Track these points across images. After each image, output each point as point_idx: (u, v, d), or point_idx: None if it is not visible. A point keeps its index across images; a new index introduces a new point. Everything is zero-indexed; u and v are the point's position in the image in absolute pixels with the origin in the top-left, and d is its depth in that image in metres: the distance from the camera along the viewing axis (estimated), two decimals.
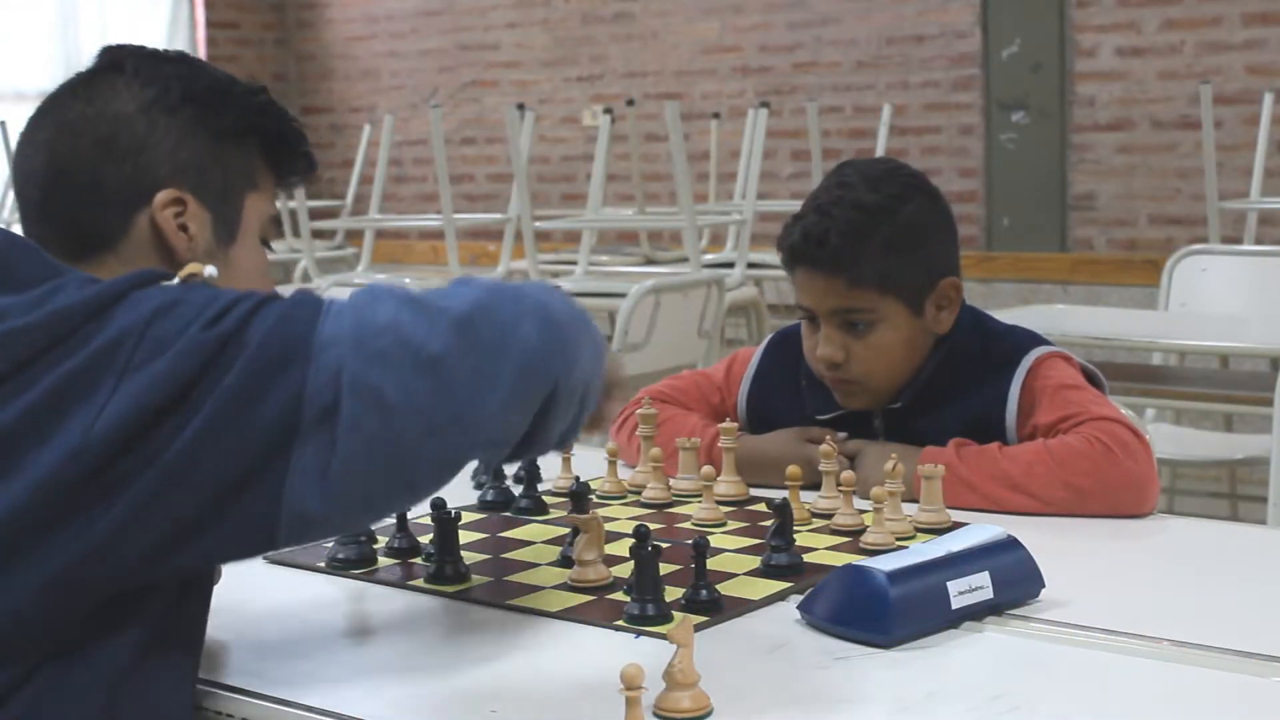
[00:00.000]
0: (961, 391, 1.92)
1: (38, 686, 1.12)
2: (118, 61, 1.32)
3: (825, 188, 1.96)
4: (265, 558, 1.58)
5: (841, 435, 1.92)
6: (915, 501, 1.73)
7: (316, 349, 1.12)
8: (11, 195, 5.94)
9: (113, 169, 1.27)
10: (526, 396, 1.19)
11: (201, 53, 7.92)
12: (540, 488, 1.84)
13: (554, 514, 1.79)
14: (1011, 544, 1.45)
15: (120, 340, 1.12)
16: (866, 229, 1.88)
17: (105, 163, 1.27)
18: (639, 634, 1.36)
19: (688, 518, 1.77)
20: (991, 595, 1.40)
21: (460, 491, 1.90)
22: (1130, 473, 1.78)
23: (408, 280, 4.16)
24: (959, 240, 2.01)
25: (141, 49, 1.34)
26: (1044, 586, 1.45)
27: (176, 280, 1.21)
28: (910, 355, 1.93)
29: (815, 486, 1.82)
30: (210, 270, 1.26)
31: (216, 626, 1.29)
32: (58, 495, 1.09)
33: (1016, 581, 1.43)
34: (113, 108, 1.29)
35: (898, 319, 1.90)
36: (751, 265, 5.19)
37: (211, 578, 1.27)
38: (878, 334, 1.90)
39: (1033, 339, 1.96)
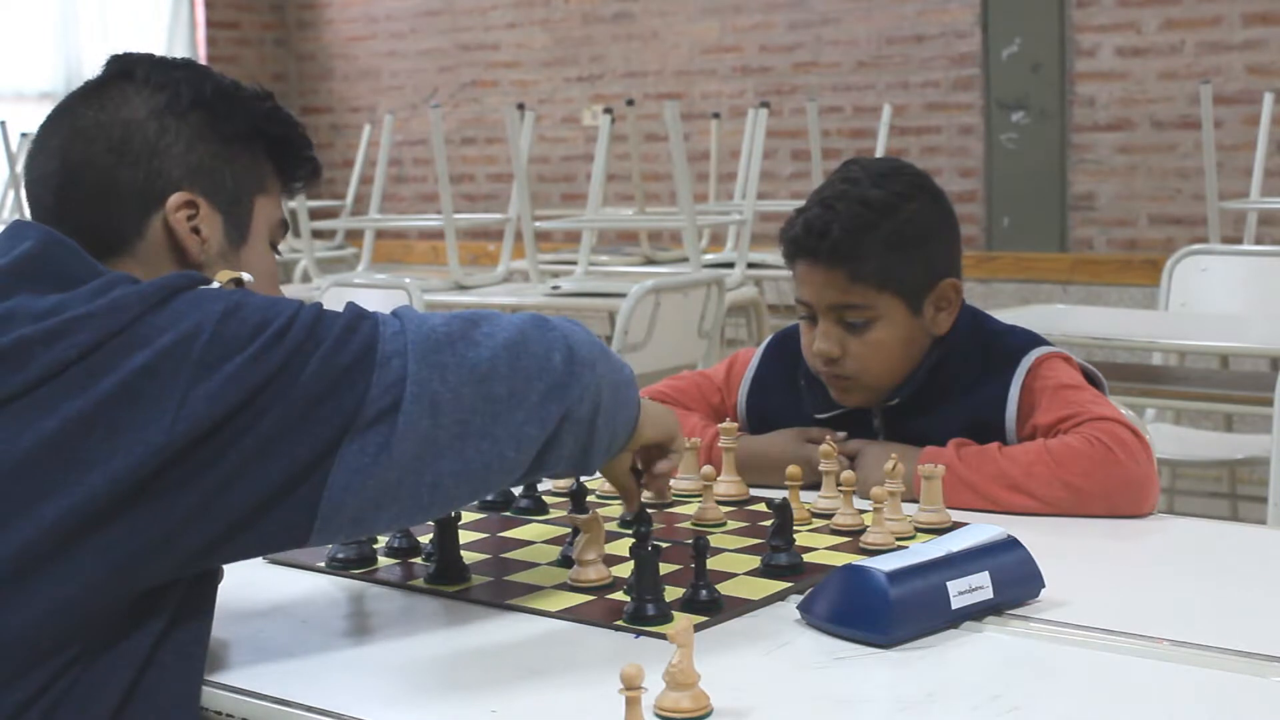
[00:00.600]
0: (961, 391, 1.92)
1: (70, 679, 1.14)
2: (127, 69, 1.34)
3: (830, 183, 1.96)
4: (266, 558, 1.58)
5: (841, 435, 1.92)
6: (915, 501, 1.73)
7: (380, 358, 1.21)
8: (11, 195, 5.97)
9: (126, 173, 1.30)
10: (545, 420, 1.30)
11: (201, 53, 7.92)
12: (540, 488, 1.84)
13: (554, 514, 1.79)
14: (1011, 544, 1.45)
15: (194, 335, 1.17)
16: (869, 224, 1.88)
17: (118, 167, 1.29)
18: (639, 634, 1.36)
19: (688, 518, 1.77)
20: (991, 595, 1.40)
21: None
22: (1130, 473, 1.78)
23: (407, 280, 4.16)
24: (961, 242, 2.01)
25: (150, 56, 1.36)
26: (1044, 586, 1.45)
27: (217, 285, 1.24)
28: (907, 354, 1.93)
29: (815, 486, 1.82)
30: (248, 275, 1.30)
31: (217, 626, 1.29)
32: (133, 489, 1.13)
33: (1016, 581, 1.43)
34: (124, 113, 1.31)
35: (896, 317, 1.90)
36: (751, 265, 5.19)
37: (219, 570, 1.28)
38: (875, 331, 1.90)
39: (1032, 339, 1.96)
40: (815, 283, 1.91)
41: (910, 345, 1.93)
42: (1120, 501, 1.78)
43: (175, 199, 1.30)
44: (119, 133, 1.30)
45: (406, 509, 1.25)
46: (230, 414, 1.15)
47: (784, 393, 2.03)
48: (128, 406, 1.14)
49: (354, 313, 1.25)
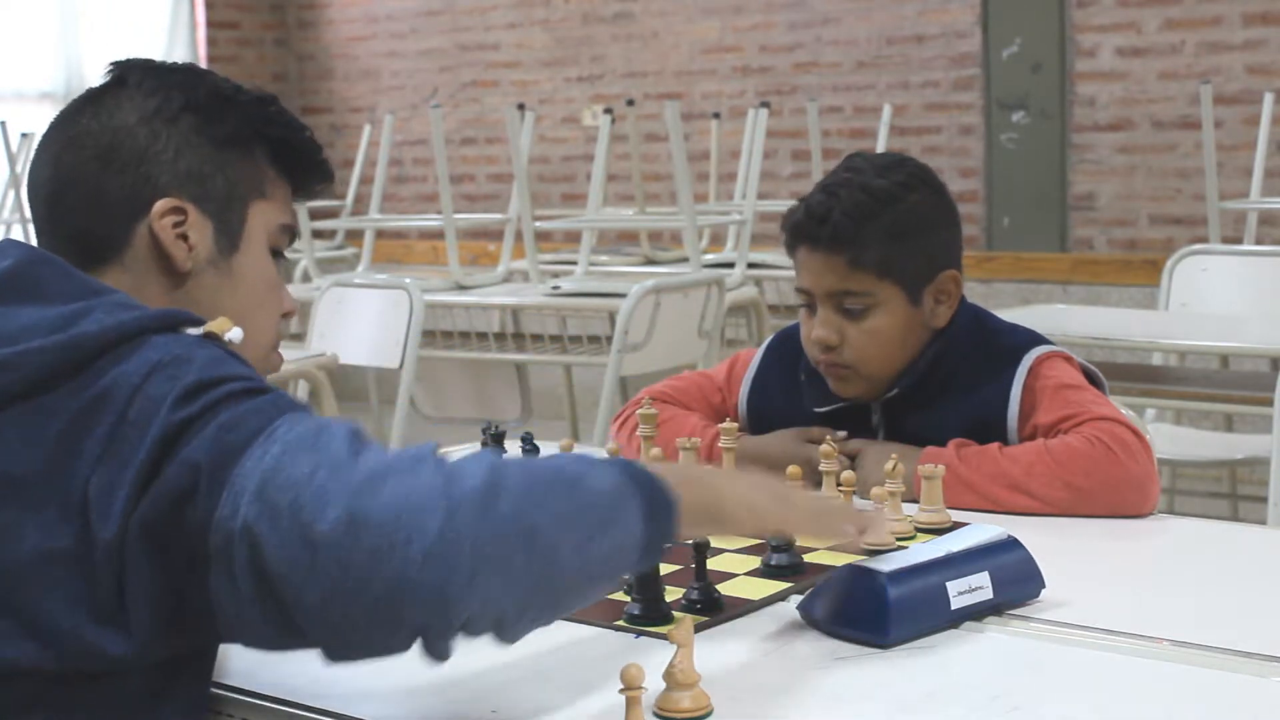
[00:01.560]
0: (961, 387, 1.92)
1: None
2: (123, 75, 1.33)
3: (833, 173, 1.97)
4: None
5: (841, 434, 1.92)
6: (915, 501, 1.73)
7: (234, 475, 1.06)
8: (12, 195, 5.97)
9: (114, 180, 1.28)
10: (376, 625, 1.04)
11: (201, 53, 7.92)
12: None
13: None
14: (1011, 544, 1.45)
15: (113, 390, 1.12)
16: (871, 211, 1.89)
17: (106, 174, 1.28)
18: (639, 634, 1.36)
19: None
20: (991, 595, 1.40)
21: None
22: (1130, 473, 1.78)
23: (407, 280, 4.16)
24: (962, 238, 2.01)
25: (149, 62, 1.35)
26: (1044, 587, 1.45)
27: (202, 330, 1.21)
28: (905, 344, 1.93)
29: (815, 487, 1.82)
30: (234, 334, 1.24)
31: None
32: (61, 552, 1.09)
33: (1016, 581, 1.43)
34: (116, 120, 1.30)
35: (895, 305, 1.90)
36: (751, 265, 5.18)
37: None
38: (874, 319, 1.90)
39: (1033, 338, 1.97)
40: (815, 269, 1.91)
41: (908, 335, 1.92)
42: (1121, 501, 1.78)
43: (160, 205, 1.28)
44: (108, 140, 1.29)
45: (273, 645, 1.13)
46: (136, 488, 1.09)
47: (785, 392, 2.03)
48: (66, 456, 1.10)
49: (254, 406, 1.12)
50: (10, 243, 1.27)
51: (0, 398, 1.13)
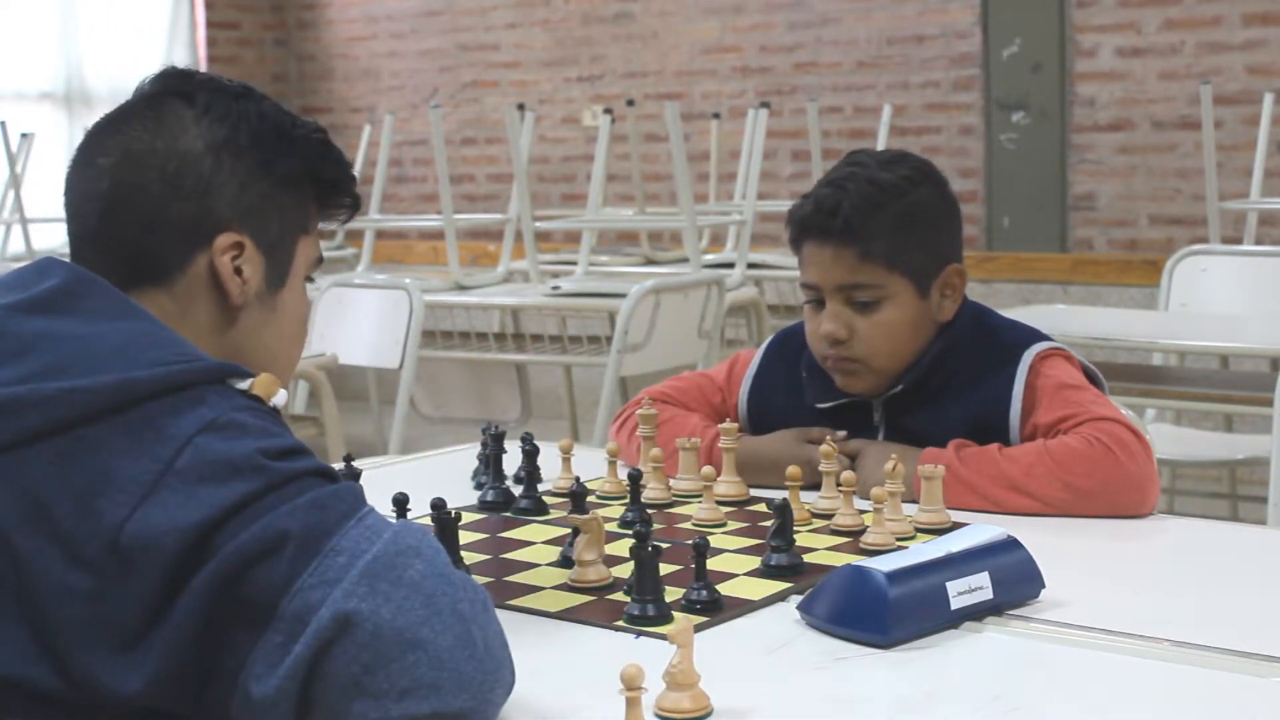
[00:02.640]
0: (963, 385, 1.92)
1: None
2: (188, 91, 1.31)
3: (837, 168, 1.98)
4: None
5: (841, 434, 1.92)
6: (915, 502, 1.73)
7: (327, 549, 1.09)
8: (12, 195, 5.97)
9: (177, 206, 1.27)
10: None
11: (201, 53, 7.92)
12: (540, 488, 1.84)
13: (554, 514, 1.79)
14: (1011, 544, 1.45)
15: (162, 439, 1.12)
16: (879, 203, 1.90)
17: (170, 199, 1.27)
18: (639, 634, 1.36)
19: (688, 518, 1.77)
20: (991, 596, 1.40)
21: (460, 491, 1.90)
22: (1130, 473, 1.78)
23: (407, 280, 4.16)
24: (963, 233, 2.02)
25: (210, 80, 1.34)
26: (1044, 587, 1.45)
27: (250, 384, 1.21)
28: (913, 338, 1.93)
29: (815, 487, 1.82)
30: (278, 399, 1.23)
31: None
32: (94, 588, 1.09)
33: (1016, 582, 1.43)
34: (182, 143, 1.28)
35: (904, 298, 1.91)
36: (751, 265, 5.18)
37: None
38: (883, 312, 1.91)
39: (1034, 335, 1.97)
40: (823, 263, 1.92)
41: (916, 329, 1.93)
42: (1121, 501, 1.78)
43: (223, 239, 1.28)
44: (174, 165, 1.27)
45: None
46: (186, 535, 1.09)
47: (786, 391, 2.03)
48: (94, 496, 1.10)
49: (340, 491, 1.14)
50: (53, 261, 1.26)
51: (42, 432, 1.12)
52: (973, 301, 2.00)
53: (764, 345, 2.11)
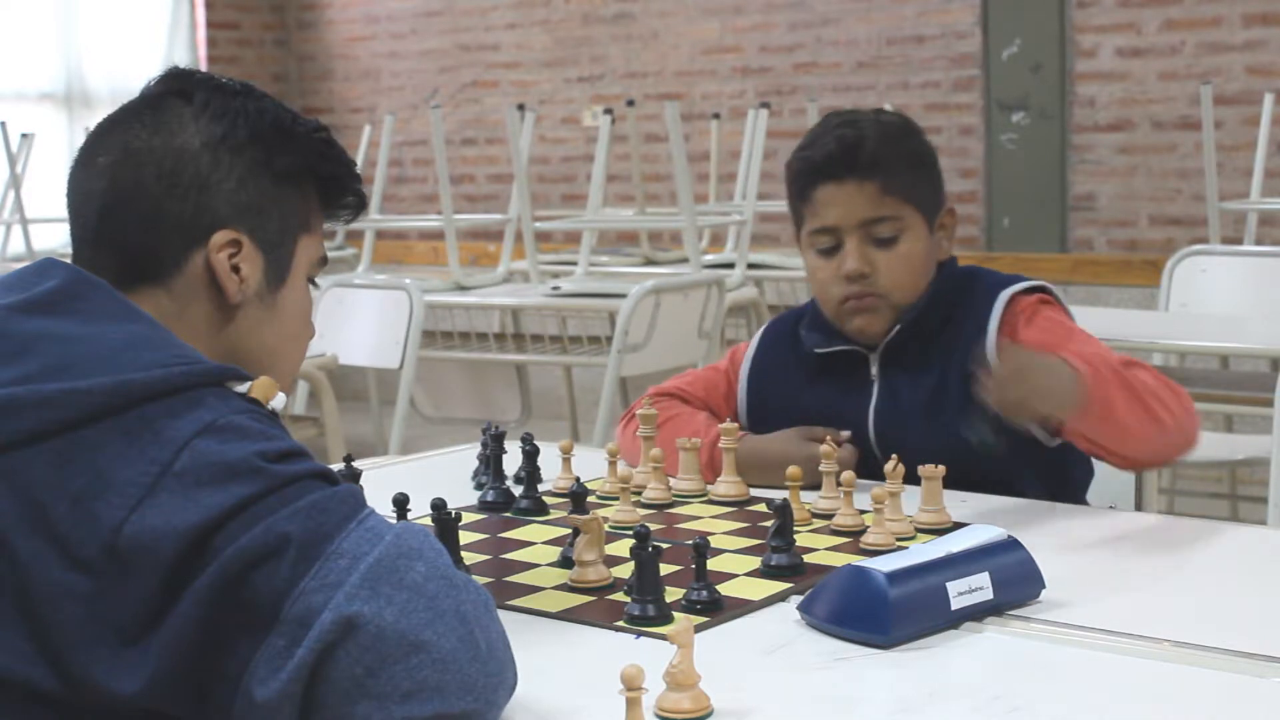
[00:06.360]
0: (952, 336, 1.96)
1: None
2: (187, 90, 1.31)
3: (824, 123, 2.01)
4: None
5: (845, 434, 1.92)
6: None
7: (328, 552, 1.09)
8: (12, 195, 5.97)
9: (174, 204, 1.27)
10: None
11: (201, 53, 7.92)
12: (540, 488, 1.84)
13: (554, 514, 1.79)
14: (1011, 544, 1.45)
15: (160, 441, 1.12)
16: (897, 137, 1.97)
17: (167, 197, 1.27)
18: (639, 634, 1.36)
19: (688, 518, 1.77)
20: (991, 596, 1.40)
21: (460, 491, 1.90)
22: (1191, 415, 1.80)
23: (407, 280, 4.16)
24: (963, 232, 2.07)
25: (210, 78, 1.33)
26: (1044, 587, 1.45)
27: (248, 387, 1.21)
28: (927, 271, 1.99)
29: (816, 487, 1.82)
30: (277, 402, 1.24)
31: None
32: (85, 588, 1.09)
33: (1016, 582, 1.43)
34: (179, 140, 1.28)
35: (918, 231, 1.97)
36: (751, 265, 5.19)
37: None
38: (904, 244, 1.95)
39: (1015, 278, 2.00)
40: (844, 201, 1.95)
41: (928, 263, 1.99)
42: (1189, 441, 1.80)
43: (220, 237, 1.27)
44: (171, 162, 1.27)
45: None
46: (183, 538, 1.09)
47: (784, 369, 2.07)
48: (96, 487, 1.10)
49: (339, 493, 1.14)
50: (53, 262, 1.26)
51: (40, 433, 1.12)
52: (968, 264, 2.06)
53: (760, 329, 2.16)
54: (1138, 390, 1.75)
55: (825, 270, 1.97)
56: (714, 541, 1.61)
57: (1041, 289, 1.99)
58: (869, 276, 1.94)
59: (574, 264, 5.38)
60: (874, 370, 1.98)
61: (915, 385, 1.94)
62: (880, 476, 1.73)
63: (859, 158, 1.93)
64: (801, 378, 2.03)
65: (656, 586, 1.39)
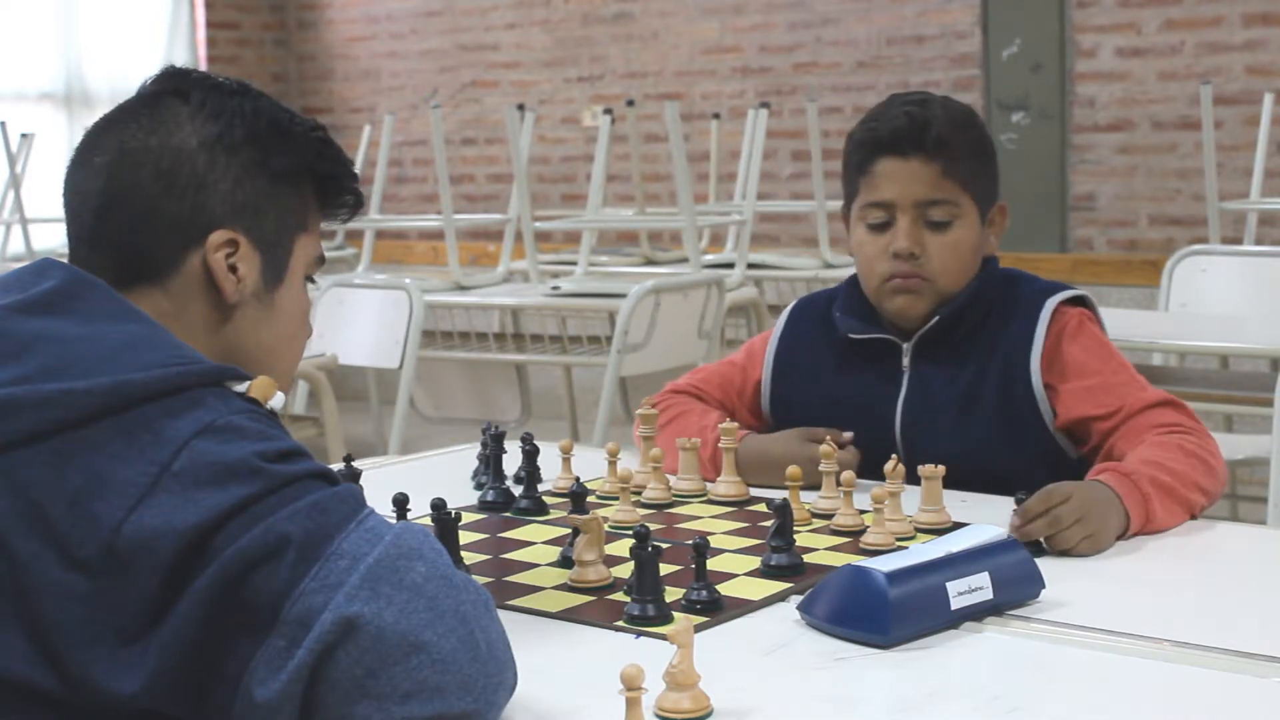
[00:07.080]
0: (989, 334, 1.95)
1: None
2: (183, 89, 1.31)
3: (893, 99, 2.02)
4: None
5: (847, 436, 1.92)
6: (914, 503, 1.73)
7: (328, 553, 1.09)
8: (12, 195, 5.97)
9: (170, 204, 1.26)
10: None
11: (201, 53, 7.92)
12: (540, 488, 1.84)
13: (554, 514, 1.79)
14: (1011, 545, 1.45)
15: (159, 441, 1.12)
16: (964, 124, 1.97)
17: (163, 196, 1.26)
18: (639, 634, 1.36)
19: (688, 518, 1.77)
20: (991, 596, 1.40)
21: (460, 491, 1.90)
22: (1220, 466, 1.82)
23: (407, 280, 4.16)
24: None
25: (206, 78, 1.33)
26: (1044, 587, 1.45)
27: (247, 387, 1.21)
28: (973, 264, 1.98)
29: (816, 487, 1.82)
30: (275, 402, 1.24)
31: None
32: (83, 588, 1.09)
33: (1016, 582, 1.43)
34: (175, 140, 1.28)
35: (970, 220, 1.96)
36: (751, 265, 5.18)
37: None
38: (956, 231, 1.95)
39: (1058, 285, 2.00)
40: (904, 178, 1.94)
41: (976, 255, 1.98)
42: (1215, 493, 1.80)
43: (216, 237, 1.27)
44: (168, 161, 1.27)
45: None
46: (182, 538, 1.09)
47: (810, 351, 2.05)
48: (88, 498, 1.10)
49: (338, 493, 1.14)
50: (51, 262, 1.26)
51: (38, 433, 1.12)
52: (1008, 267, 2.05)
53: (786, 311, 2.13)
54: (1175, 489, 1.73)
55: (873, 246, 1.96)
56: (714, 541, 1.61)
57: (1082, 300, 1.99)
58: (918, 258, 1.93)
59: (574, 264, 5.38)
60: (905, 361, 1.98)
61: (946, 380, 1.94)
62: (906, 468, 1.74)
63: (926, 137, 1.93)
64: (830, 361, 2.02)
65: (656, 586, 1.39)
